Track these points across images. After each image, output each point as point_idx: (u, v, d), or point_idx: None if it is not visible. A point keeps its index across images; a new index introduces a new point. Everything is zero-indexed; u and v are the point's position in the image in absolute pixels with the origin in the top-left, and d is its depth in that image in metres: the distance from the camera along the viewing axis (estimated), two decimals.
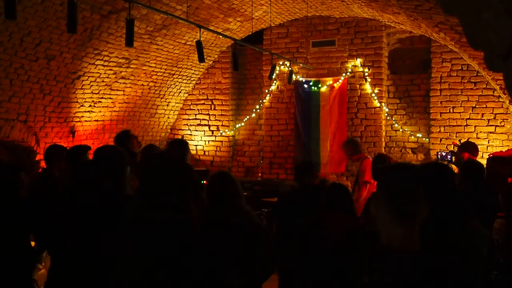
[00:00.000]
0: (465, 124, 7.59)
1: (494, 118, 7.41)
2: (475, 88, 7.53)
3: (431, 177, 2.63)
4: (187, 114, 9.44)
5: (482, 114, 7.48)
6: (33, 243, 4.09)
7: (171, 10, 6.39)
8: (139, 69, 7.51)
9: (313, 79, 8.35)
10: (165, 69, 8.07)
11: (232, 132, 9.27)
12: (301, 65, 8.31)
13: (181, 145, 4.73)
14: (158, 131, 9.15)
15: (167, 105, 8.96)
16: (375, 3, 6.48)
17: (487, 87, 7.41)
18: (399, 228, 1.89)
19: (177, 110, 9.39)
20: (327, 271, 2.83)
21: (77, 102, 6.82)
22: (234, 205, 3.02)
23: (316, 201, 3.60)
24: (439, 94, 7.73)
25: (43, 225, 3.88)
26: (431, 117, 7.85)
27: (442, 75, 7.70)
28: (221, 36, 7.49)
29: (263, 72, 8.82)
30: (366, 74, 8.07)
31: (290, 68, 7.94)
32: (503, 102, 7.26)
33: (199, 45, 5.64)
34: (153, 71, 7.81)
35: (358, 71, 8.12)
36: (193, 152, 9.36)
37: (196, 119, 9.39)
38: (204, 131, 9.34)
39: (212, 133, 9.30)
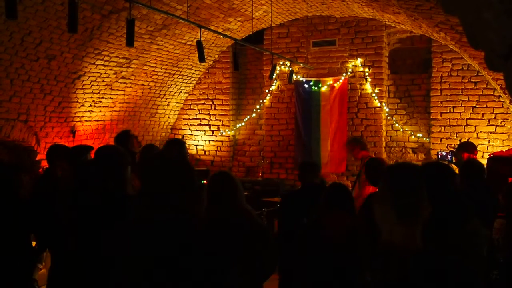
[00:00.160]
0: (466, 124, 7.58)
1: (495, 118, 7.41)
2: (475, 88, 7.52)
3: (432, 177, 2.63)
4: (187, 114, 9.44)
5: (483, 114, 7.48)
6: (34, 243, 4.09)
7: (171, 10, 6.39)
8: (140, 69, 7.51)
9: (313, 79, 8.35)
10: (166, 69, 8.07)
11: (232, 132, 9.27)
12: (301, 65, 8.31)
13: (179, 144, 4.73)
14: (159, 131, 9.15)
15: (168, 105, 8.96)
16: (376, 3, 6.48)
17: (488, 87, 7.41)
18: (401, 227, 1.89)
19: (178, 110, 9.39)
20: (327, 271, 2.83)
21: (77, 102, 6.83)
22: (235, 205, 3.02)
23: (318, 201, 3.60)
24: (439, 94, 7.73)
25: (44, 225, 3.88)
26: (431, 117, 7.85)
27: (442, 75, 7.70)
28: (221, 36, 7.50)
29: (263, 72, 8.82)
30: (367, 74, 8.07)
31: (290, 68, 7.94)
32: (504, 102, 7.25)
33: (199, 45, 5.64)
34: (153, 71, 7.81)
35: (359, 71, 8.12)
36: (194, 152, 9.36)
37: (196, 119, 9.39)
38: (205, 131, 9.34)
39: (213, 133, 9.30)
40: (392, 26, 7.90)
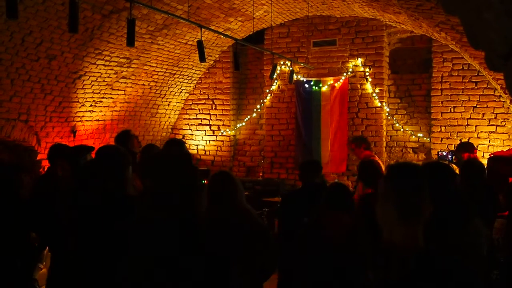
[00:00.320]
0: (466, 123, 7.58)
1: (495, 117, 7.40)
2: (476, 87, 7.52)
3: (432, 177, 2.63)
4: (188, 114, 9.44)
5: (483, 114, 7.48)
6: (37, 244, 4.09)
7: (172, 10, 6.39)
8: (140, 69, 7.51)
9: (314, 78, 8.35)
10: (166, 69, 8.07)
11: (233, 131, 9.27)
12: (302, 64, 8.31)
13: (178, 144, 4.73)
14: (159, 131, 9.15)
15: (168, 104, 8.96)
16: (376, 2, 6.48)
17: (488, 86, 7.40)
18: (402, 227, 1.90)
19: (178, 110, 9.39)
20: (327, 271, 2.83)
21: (78, 101, 6.83)
22: (235, 205, 3.03)
23: (317, 200, 3.60)
24: (440, 93, 7.73)
25: (44, 225, 3.88)
26: (432, 117, 7.84)
27: (443, 75, 7.70)
28: (222, 36, 7.50)
29: (264, 72, 8.82)
30: (367, 73, 8.06)
31: (291, 68, 7.94)
32: (504, 101, 7.25)
33: (200, 44, 5.64)
34: (154, 70, 7.82)
35: (359, 71, 8.12)
36: (194, 152, 9.36)
37: (197, 118, 9.40)
38: (205, 130, 9.34)
39: (213, 132, 9.31)
40: (392, 26, 7.90)
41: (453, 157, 6.42)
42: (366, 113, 8.12)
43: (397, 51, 8.32)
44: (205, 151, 9.35)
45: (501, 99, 7.30)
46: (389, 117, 8.18)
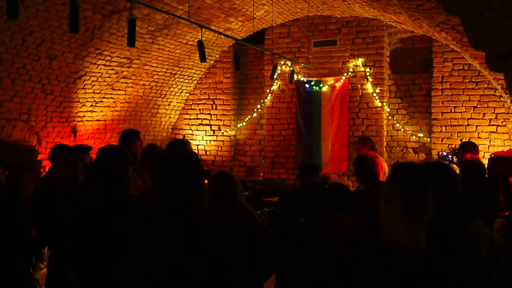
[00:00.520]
0: (467, 123, 7.58)
1: (496, 117, 7.40)
2: (476, 87, 7.52)
3: (433, 177, 2.63)
4: (188, 114, 9.45)
5: (484, 114, 7.47)
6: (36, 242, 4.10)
7: (172, 10, 6.39)
8: (141, 69, 7.52)
9: (314, 78, 8.35)
10: (167, 69, 8.07)
11: (233, 131, 9.27)
12: (302, 64, 8.31)
13: (183, 144, 4.74)
14: (160, 131, 9.16)
15: (169, 104, 8.97)
16: (377, 2, 6.48)
17: (489, 86, 7.40)
18: (406, 226, 1.90)
19: (179, 110, 9.39)
20: (327, 271, 2.83)
21: (78, 101, 6.83)
22: (235, 205, 3.03)
23: (317, 200, 3.60)
24: (440, 93, 7.73)
25: (45, 225, 3.89)
26: (432, 117, 7.84)
27: (443, 75, 7.69)
28: (222, 36, 7.50)
29: (264, 72, 8.82)
30: (368, 73, 8.06)
31: (291, 68, 7.94)
32: (505, 101, 7.25)
33: (200, 44, 5.64)
34: (154, 70, 7.82)
35: (360, 71, 8.12)
36: (195, 151, 9.37)
37: (197, 118, 9.40)
38: (206, 130, 9.35)
39: (214, 132, 9.31)
40: (393, 26, 7.90)
41: (454, 157, 6.42)
42: (367, 113, 8.12)
43: (397, 51, 8.32)
44: (206, 151, 9.35)
45: (502, 99, 7.30)
46: (389, 117, 8.18)
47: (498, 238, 4.10)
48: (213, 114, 9.30)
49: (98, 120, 7.42)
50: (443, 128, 7.73)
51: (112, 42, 6.47)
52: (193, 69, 8.73)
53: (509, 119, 7.31)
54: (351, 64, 8.15)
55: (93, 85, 6.88)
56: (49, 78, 6.15)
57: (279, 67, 8.34)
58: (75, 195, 3.11)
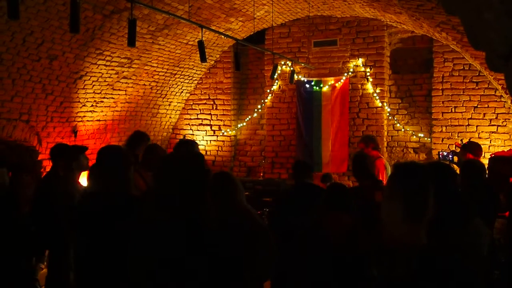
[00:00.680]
0: (467, 124, 7.58)
1: (496, 118, 7.40)
2: (477, 88, 7.52)
3: (433, 176, 2.63)
4: (189, 114, 9.45)
5: (484, 114, 7.47)
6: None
7: (173, 10, 6.40)
8: (141, 69, 7.52)
9: (315, 79, 8.35)
10: (167, 69, 8.08)
11: (234, 131, 9.27)
12: (303, 65, 8.31)
13: (189, 145, 4.75)
14: (160, 131, 9.16)
15: (169, 105, 8.97)
16: (377, 2, 6.48)
17: (489, 86, 7.40)
18: (407, 225, 1.91)
19: (179, 110, 9.40)
20: (327, 271, 2.83)
21: (79, 102, 6.83)
22: (235, 205, 3.03)
23: (311, 200, 3.61)
24: (441, 93, 7.72)
25: (45, 225, 3.89)
26: (433, 117, 7.84)
27: (444, 75, 7.69)
28: (223, 36, 7.50)
29: (265, 72, 8.82)
30: (368, 74, 8.06)
31: (292, 68, 7.94)
32: (505, 102, 7.25)
33: (201, 45, 5.64)
34: (155, 71, 7.82)
35: (360, 71, 8.12)
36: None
37: (198, 118, 9.40)
38: (206, 131, 9.35)
39: (214, 132, 9.31)
40: (393, 26, 7.90)
41: (454, 157, 6.42)
42: (367, 113, 8.12)
43: (398, 51, 8.32)
44: (206, 151, 9.35)
45: (502, 99, 7.30)
46: (390, 117, 8.17)
47: (498, 238, 4.10)
48: (214, 114, 9.30)
49: (99, 120, 7.42)
50: (444, 128, 7.73)
51: (113, 42, 6.47)
52: (193, 69, 8.73)
53: (509, 119, 7.31)
54: (351, 64, 8.15)
55: (94, 85, 6.89)
56: (49, 78, 6.15)
57: (279, 67, 8.34)
58: (72, 195, 3.11)
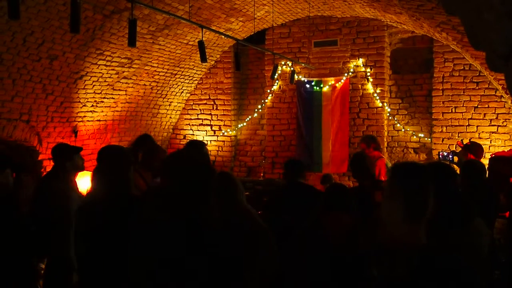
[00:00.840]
0: (467, 124, 7.58)
1: (496, 118, 7.40)
2: (477, 88, 7.52)
3: (434, 177, 2.63)
4: (189, 114, 9.45)
5: (484, 114, 7.47)
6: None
7: (173, 10, 6.40)
8: (141, 69, 7.52)
9: (315, 79, 8.35)
10: (167, 69, 8.08)
11: (234, 132, 9.28)
12: (303, 65, 8.31)
13: (196, 146, 4.75)
14: (160, 131, 9.16)
15: (169, 105, 8.97)
16: (377, 3, 6.48)
17: (489, 87, 7.40)
18: (407, 225, 1.91)
19: (179, 110, 9.40)
20: (326, 271, 2.83)
21: (79, 102, 6.84)
22: (235, 205, 3.03)
23: (303, 200, 3.60)
24: (441, 94, 7.73)
25: (44, 225, 3.89)
26: (433, 117, 7.84)
27: (444, 75, 7.70)
28: (223, 36, 7.50)
29: (265, 72, 8.82)
30: (368, 74, 8.06)
31: (292, 68, 7.94)
32: (505, 102, 7.25)
33: (201, 45, 5.64)
34: (155, 71, 7.82)
35: (360, 71, 8.12)
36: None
37: (198, 119, 9.40)
38: (206, 131, 9.35)
39: (214, 133, 9.31)
40: (393, 26, 7.90)
41: (454, 157, 6.42)
42: (367, 113, 8.12)
43: (398, 51, 8.32)
44: None
45: (503, 100, 7.30)
46: (390, 117, 8.18)
47: (498, 238, 4.11)
48: (214, 114, 9.30)
49: (99, 120, 7.42)
50: (444, 128, 7.73)
51: (113, 42, 6.48)
52: (193, 69, 8.73)
53: (509, 119, 7.31)
54: (351, 64, 8.16)
55: (94, 85, 6.89)
56: (50, 78, 6.15)
57: (279, 67, 8.34)
58: (66, 195, 3.10)
